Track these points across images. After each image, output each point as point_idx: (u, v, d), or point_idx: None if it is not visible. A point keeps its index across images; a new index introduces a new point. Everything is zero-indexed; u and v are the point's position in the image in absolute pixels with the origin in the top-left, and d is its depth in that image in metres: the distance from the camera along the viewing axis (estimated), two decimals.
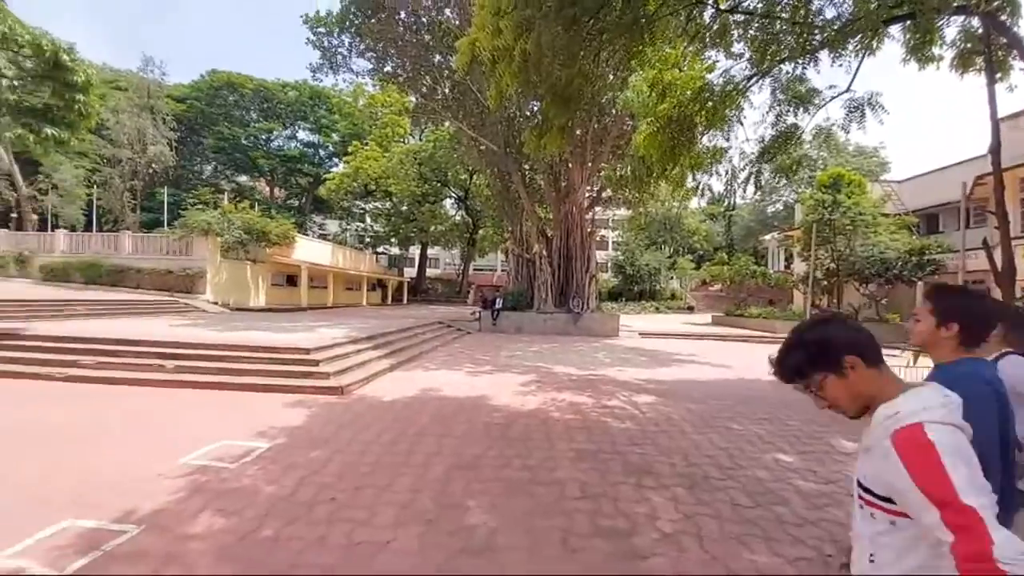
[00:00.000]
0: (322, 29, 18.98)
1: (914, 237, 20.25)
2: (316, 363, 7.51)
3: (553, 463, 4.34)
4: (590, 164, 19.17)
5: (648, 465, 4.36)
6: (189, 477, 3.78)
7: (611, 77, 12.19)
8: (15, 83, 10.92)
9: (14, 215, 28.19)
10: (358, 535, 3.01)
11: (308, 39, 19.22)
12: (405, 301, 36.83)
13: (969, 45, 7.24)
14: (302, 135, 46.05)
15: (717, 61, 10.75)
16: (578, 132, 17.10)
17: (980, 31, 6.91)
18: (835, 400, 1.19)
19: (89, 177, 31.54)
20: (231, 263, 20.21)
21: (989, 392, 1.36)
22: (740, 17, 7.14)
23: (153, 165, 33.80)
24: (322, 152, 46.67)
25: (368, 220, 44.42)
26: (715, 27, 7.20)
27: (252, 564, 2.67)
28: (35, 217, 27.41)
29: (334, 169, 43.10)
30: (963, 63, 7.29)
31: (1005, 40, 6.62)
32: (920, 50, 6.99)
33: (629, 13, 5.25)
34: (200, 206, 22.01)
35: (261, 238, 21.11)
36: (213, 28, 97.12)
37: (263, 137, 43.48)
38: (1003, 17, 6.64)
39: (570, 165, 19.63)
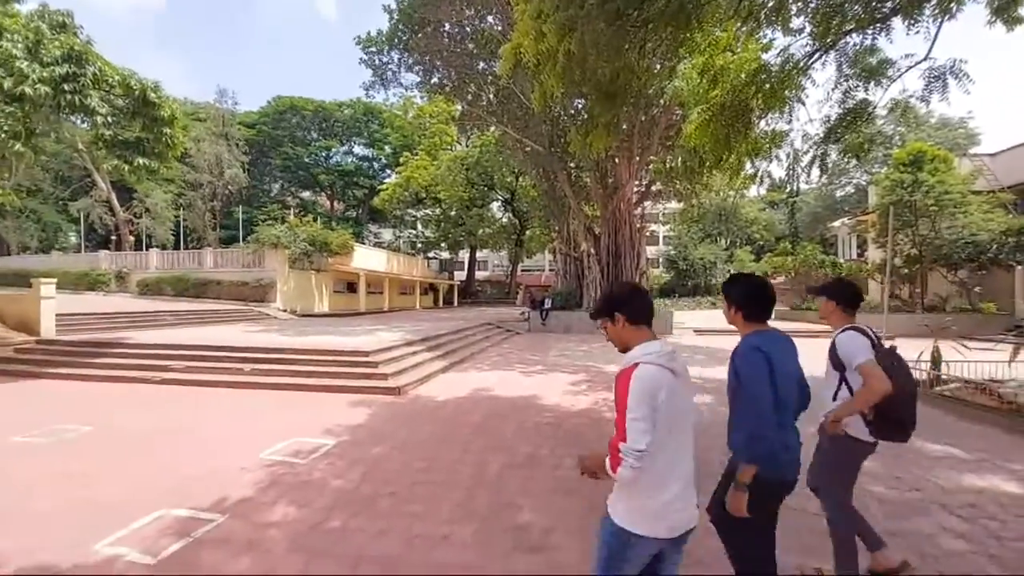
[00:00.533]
0: (373, 48, 19.90)
1: (1011, 216, 17.93)
2: (375, 365, 7.89)
3: None
4: (638, 158, 18.68)
5: (707, 465, 4.18)
6: (267, 470, 4.11)
7: (658, 67, 11.81)
8: (109, 119, 12.31)
9: (114, 237, 31.89)
10: (417, 529, 3.14)
11: (361, 59, 20.23)
12: (456, 304, 37.68)
13: None
14: (357, 150, 48.55)
15: (774, 39, 10.10)
16: (624, 126, 16.73)
17: None
18: (609, 337, 1.79)
19: (176, 200, 35.04)
20: (297, 273, 21.63)
21: (758, 356, 1.88)
22: None
23: (229, 186, 37.00)
24: (376, 165, 48.92)
25: (419, 227, 45.95)
26: (770, 3, 6.79)
27: (322, 552, 2.87)
28: (132, 238, 30.84)
29: (387, 180, 45.03)
30: None
31: None
32: (1006, 11, 6.21)
33: (675, 2, 5.07)
34: (270, 222, 23.84)
35: (323, 249, 22.43)
36: (276, 57, 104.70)
37: (323, 154, 46.28)
38: None
39: (617, 161, 19.24)
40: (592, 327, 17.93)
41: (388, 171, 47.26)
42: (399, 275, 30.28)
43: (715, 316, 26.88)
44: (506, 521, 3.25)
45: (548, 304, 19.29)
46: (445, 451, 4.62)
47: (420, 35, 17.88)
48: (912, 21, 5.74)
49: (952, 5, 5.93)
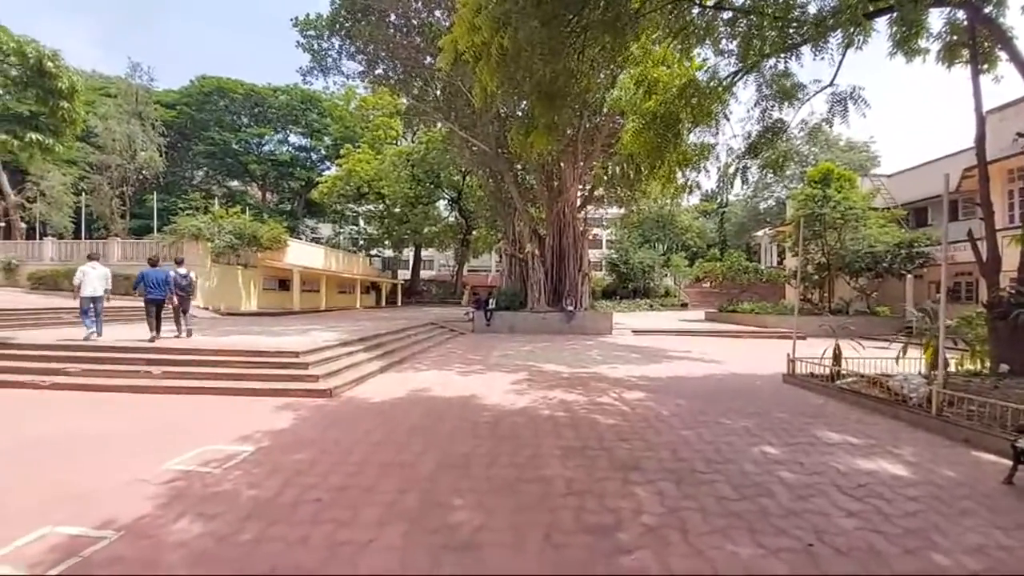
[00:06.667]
0: (312, 32, 18.93)
1: (903, 230, 20.41)
2: (305, 366, 7.47)
3: (541, 460, 4.34)
4: (581, 163, 19.19)
5: (635, 461, 4.37)
6: (171, 483, 3.73)
7: (600, 76, 12.20)
8: None
9: (2, 224, 27.88)
10: (341, 535, 2.99)
11: (298, 42, 19.18)
12: (399, 303, 36.73)
13: (955, 37, 7.29)
14: (294, 139, 45.79)
15: (707, 59, 10.81)
16: (568, 131, 17.13)
17: (966, 23, 6.98)
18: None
19: (77, 184, 31.24)
20: (222, 268, 20.06)
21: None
22: (727, 14, 7.17)
23: (143, 171, 33.45)
24: (314, 156, 46.46)
25: (361, 223, 44.27)
26: (702, 24, 7.23)
27: (230, 566, 2.64)
28: (23, 225, 27.13)
29: (326, 172, 42.96)
30: (949, 55, 7.34)
31: (989, 32, 6.68)
32: (906, 43, 7.02)
33: (612, 10, 5.25)
34: (190, 211, 21.86)
35: (252, 242, 20.95)
36: (203, 34, 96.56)
37: (254, 142, 43.17)
38: (987, 9, 6.69)
39: (562, 164, 19.65)
40: (537, 327, 18.21)
41: (327, 163, 45.06)
42: (338, 273, 28.99)
43: (653, 317, 28.22)
44: (437, 521, 3.18)
45: (492, 304, 19.28)
46: (377, 453, 4.45)
47: (364, 23, 17.22)
48: (818, 49, 6.31)
49: (857, 36, 6.61)
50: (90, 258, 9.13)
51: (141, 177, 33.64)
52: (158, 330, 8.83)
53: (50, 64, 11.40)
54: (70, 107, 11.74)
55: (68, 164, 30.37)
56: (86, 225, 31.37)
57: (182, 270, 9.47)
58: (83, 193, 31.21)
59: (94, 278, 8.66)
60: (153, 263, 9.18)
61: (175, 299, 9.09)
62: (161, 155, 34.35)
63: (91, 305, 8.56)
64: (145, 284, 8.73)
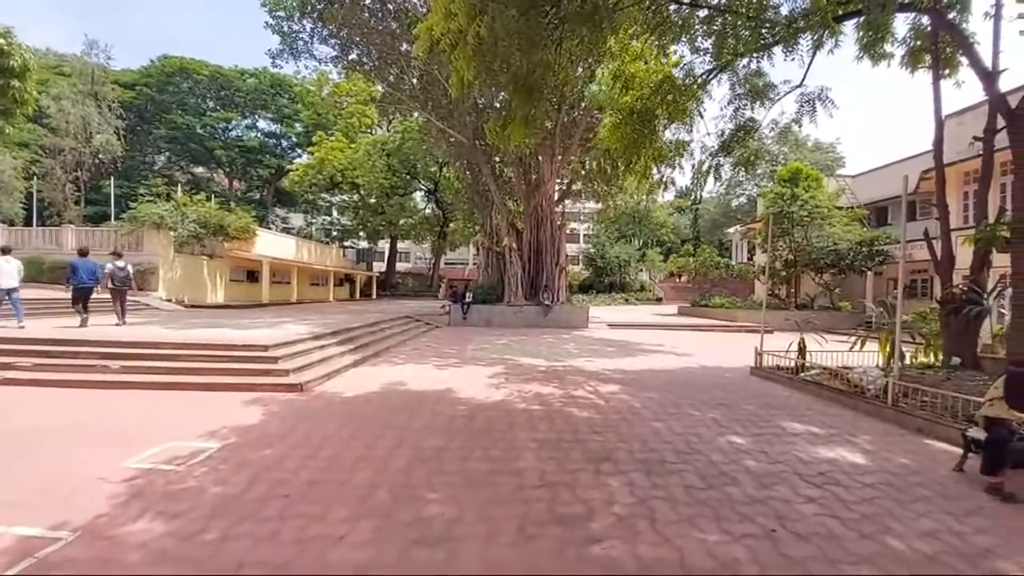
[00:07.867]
0: (281, 13, 18.21)
1: (865, 229, 21.30)
2: (275, 360, 7.26)
3: (515, 453, 4.35)
4: (559, 157, 19.21)
5: (608, 452, 4.44)
6: (131, 481, 3.58)
7: (579, 70, 12.21)
8: None
9: None
10: (311, 531, 2.93)
11: (267, 23, 18.42)
12: (374, 296, 36.17)
13: (919, 43, 7.57)
14: (263, 125, 44.15)
15: (683, 57, 10.96)
16: (548, 125, 17.10)
17: (930, 28, 7.26)
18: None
19: (28, 168, 29.35)
20: (186, 258, 19.27)
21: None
22: (703, 12, 7.25)
23: (99, 155, 31.64)
24: (284, 143, 44.94)
25: (335, 213, 43.25)
26: (678, 21, 7.30)
27: (193, 566, 2.55)
28: None
29: (297, 160, 41.67)
30: (913, 60, 7.63)
31: (952, 37, 6.94)
32: (872, 47, 7.26)
33: (589, 3, 5.23)
34: (152, 198, 20.85)
35: (218, 232, 20.18)
36: (165, 12, 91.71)
37: (220, 127, 41.40)
38: (952, 15, 6.97)
39: (539, 158, 19.62)
40: (514, 321, 18.24)
41: (299, 151, 43.65)
42: (310, 264, 28.28)
43: (628, 311, 28.68)
44: (410, 515, 3.15)
45: (469, 298, 19.21)
46: (349, 448, 4.38)
47: (336, 5, 16.66)
48: (790, 50, 6.47)
49: (827, 39, 6.80)
50: (3, 251, 9.29)
51: (97, 161, 31.83)
52: (86, 315, 9.42)
53: (1, 41, 10.66)
54: (22, 86, 11.05)
55: (19, 147, 28.52)
56: (38, 212, 29.59)
57: (120, 263, 9.95)
58: (35, 178, 29.37)
59: (5, 272, 8.97)
60: (83, 253, 9.87)
61: (109, 289, 9.77)
62: (119, 138, 32.57)
63: (6, 296, 8.96)
64: (76, 274, 9.34)
